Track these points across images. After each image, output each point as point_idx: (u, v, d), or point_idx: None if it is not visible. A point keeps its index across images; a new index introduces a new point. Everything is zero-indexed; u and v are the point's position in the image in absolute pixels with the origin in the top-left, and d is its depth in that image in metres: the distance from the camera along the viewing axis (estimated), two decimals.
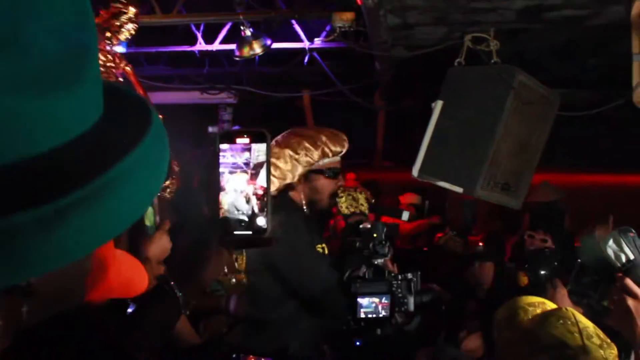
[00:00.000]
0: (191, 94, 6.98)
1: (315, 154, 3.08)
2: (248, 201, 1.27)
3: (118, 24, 3.61)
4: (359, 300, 2.90)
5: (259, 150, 1.27)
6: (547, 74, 4.70)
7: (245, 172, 1.27)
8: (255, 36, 5.06)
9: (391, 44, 4.58)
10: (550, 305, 2.28)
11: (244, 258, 3.20)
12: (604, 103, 4.12)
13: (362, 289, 2.93)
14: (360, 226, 3.20)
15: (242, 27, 5.02)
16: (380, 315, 2.91)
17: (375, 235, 3.11)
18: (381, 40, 4.44)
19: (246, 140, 1.28)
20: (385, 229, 3.14)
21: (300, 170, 3.11)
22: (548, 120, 4.53)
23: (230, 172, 1.28)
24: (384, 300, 2.91)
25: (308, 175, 3.15)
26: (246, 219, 1.27)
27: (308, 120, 6.54)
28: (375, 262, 3.09)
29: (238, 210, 1.27)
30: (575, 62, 4.99)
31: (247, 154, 1.28)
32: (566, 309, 2.05)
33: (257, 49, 5.08)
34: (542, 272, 3.56)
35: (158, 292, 1.35)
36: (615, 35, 4.21)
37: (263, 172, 1.27)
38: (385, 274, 3.03)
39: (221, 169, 1.29)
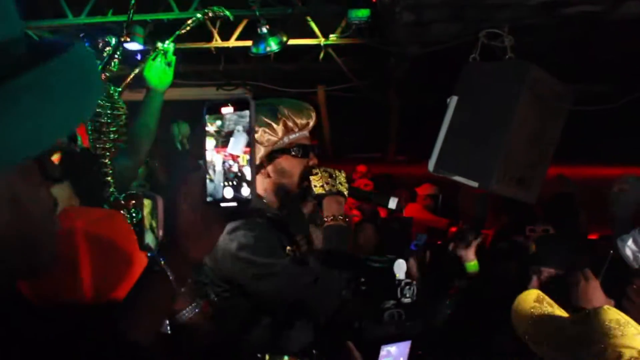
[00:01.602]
0: (206, 90, 7.04)
1: (279, 130, 2.55)
2: (231, 171, 1.27)
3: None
4: (384, 349, 2.59)
5: (230, 119, 1.28)
6: (561, 69, 4.72)
7: (217, 140, 1.28)
8: (272, 33, 5.12)
9: (406, 41, 4.62)
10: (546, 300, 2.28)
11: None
12: (618, 97, 4.14)
13: (385, 336, 2.63)
14: (370, 263, 2.75)
15: (258, 24, 5.07)
16: None
17: (397, 274, 2.69)
18: (396, 37, 4.48)
19: (230, 109, 1.28)
20: (406, 266, 2.71)
21: (262, 151, 2.56)
22: (561, 115, 4.56)
23: (213, 144, 1.29)
24: (403, 346, 2.67)
25: (272, 156, 2.60)
26: (231, 190, 1.27)
27: (322, 115, 6.59)
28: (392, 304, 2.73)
29: (224, 181, 1.27)
30: (590, 57, 5.01)
31: (219, 122, 1.29)
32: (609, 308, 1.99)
33: (274, 45, 5.14)
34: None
35: (147, 274, 1.34)
36: (630, 31, 4.23)
37: (232, 140, 1.27)
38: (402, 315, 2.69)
39: (207, 141, 1.29)
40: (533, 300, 2.18)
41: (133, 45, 5.80)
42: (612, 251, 3.46)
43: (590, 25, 4.33)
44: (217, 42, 5.90)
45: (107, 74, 3.33)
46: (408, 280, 2.73)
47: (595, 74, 5.32)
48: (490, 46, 4.45)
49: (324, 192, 2.60)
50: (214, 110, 1.30)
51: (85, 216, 1.66)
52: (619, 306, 2.50)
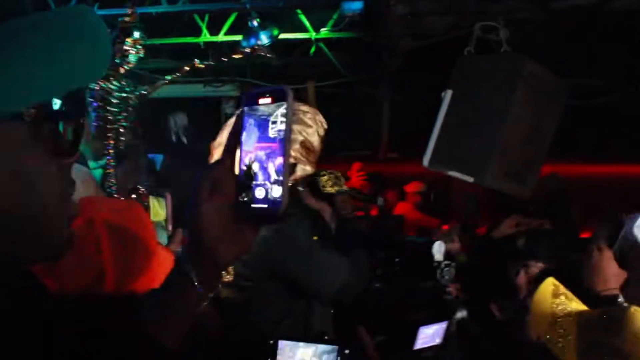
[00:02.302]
0: (194, 86, 6.94)
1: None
2: (264, 169, 1.15)
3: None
4: (421, 330, 2.63)
5: (262, 112, 1.15)
6: (556, 63, 4.68)
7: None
8: (262, 26, 5.03)
9: (400, 33, 4.56)
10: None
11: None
12: (614, 91, 4.11)
13: (424, 318, 2.70)
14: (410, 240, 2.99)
15: (249, 17, 4.98)
16: (435, 344, 2.69)
17: (435, 256, 2.91)
18: (390, 30, 4.41)
19: (268, 100, 1.16)
20: (443, 248, 2.91)
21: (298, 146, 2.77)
22: (557, 109, 4.52)
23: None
24: (440, 327, 2.70)
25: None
26: (263, 190, 1.14)
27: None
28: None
29: (255, 180, 1.15)
30: (586, 51, 4.97)
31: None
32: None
33: (264, 39, 5.05)
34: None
35: (172, 279, 1.23)
36: (626, 24, 4.20)
37: (244, 134, 1.16)
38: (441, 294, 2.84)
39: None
40: (551, 295, 2.11)
41: None
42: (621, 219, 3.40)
43: (584, 18, 4.29)
44: (206, 37, 5.80)
45: (126, 67, 3.28)
46: (448, 262, 2.95)
47: (591, 68, 5.28)
48: (486, 39, 4.40)
49: (334, 191, 2.87)
50: (252, 101, 1.17)
51: (107, 206, 1.66)
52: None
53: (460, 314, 2.98)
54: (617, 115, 5.12)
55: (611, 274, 2.54)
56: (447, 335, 2.74)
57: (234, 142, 1.18)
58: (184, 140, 5.50)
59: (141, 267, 1.61)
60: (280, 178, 1.13)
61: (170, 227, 2.63)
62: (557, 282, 2.19)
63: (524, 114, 4.28)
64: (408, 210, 7.52)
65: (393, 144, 8.29)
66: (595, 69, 5.24)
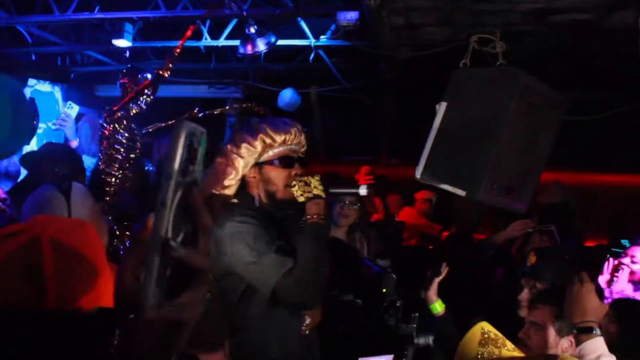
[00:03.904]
0: (199, 87, 6.97)
1: (257, 144, 2.91)
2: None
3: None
4: None
5: None
6: (553, 76, 4.63)
7: None
8: (260, 33, 5.02)
9: (396, 44, 4.52)
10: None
11: None
12: (614, 104, 4.05)
13: (366, 348, 2.65)
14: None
15: (246, 24, 4.98)
16: None
17: (385, 290, 2.93)
18: (385, 40, 4.38)
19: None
20: (393, 282, 2.92)
21: (249, 162, 2.95)
22: (554, 124, 4.46)
23: None
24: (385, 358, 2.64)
25: (260, 167, 2.97)
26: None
27: (315, 116, 6.51)
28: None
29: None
30: (583, 64, 4.90)
31: None
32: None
33: (261, 46, 5.05)
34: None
35: None
36: (623, 38, 4.13)
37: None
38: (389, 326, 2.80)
39: None
40: (477, 344, 2.09)
41: (121, 42, 5.73)
42: (609, 256, 3.35)
43: (582, 32, 4.23)
44: (207, 41, 5.82)
45: (137, 110, 3.33)
46: (394, 298, 2.85)
47: (590, 81, 5.22)
48: (482, 52, 4.35)
49: (305, 200, 2.85)
50: None
51: (54, 225, 1.65)
52: None
53: (424, 340, 2.90)
54: (618, 126, 5.06)
55: (590, 307, 2.51)
56: None
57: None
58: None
59: (85, 285, 1.60)
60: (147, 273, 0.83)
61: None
62: (488, 328, 2.17)
63: (519, 128, 4.22)
64: (412, 215, 7.47)
65: (395, 150, 8.26)
66: (595, 82, 5.17)
